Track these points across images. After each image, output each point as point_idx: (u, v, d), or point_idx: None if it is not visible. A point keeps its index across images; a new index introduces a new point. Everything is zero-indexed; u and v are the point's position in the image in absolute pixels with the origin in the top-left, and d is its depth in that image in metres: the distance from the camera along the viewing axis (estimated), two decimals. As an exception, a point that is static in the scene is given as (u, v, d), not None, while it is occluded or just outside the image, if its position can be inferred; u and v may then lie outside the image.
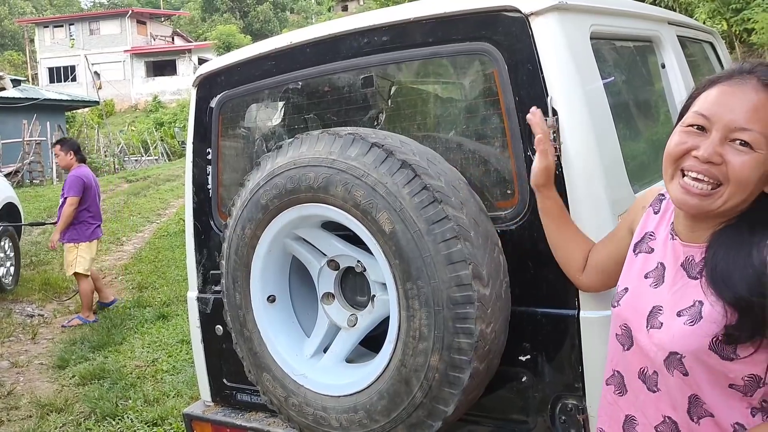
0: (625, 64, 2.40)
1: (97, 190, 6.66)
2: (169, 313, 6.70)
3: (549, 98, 1.78)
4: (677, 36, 2.78)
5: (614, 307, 1.47)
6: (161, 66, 49.32)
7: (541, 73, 1.79)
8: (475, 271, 1.66)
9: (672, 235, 1.40)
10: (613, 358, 1.49)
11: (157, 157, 29.64)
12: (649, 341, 1.34)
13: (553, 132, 1.77)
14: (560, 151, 1.77)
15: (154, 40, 53.50)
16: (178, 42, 54.68)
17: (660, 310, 1.34)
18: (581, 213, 1.77)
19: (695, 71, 3.05)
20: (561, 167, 1.78)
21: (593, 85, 1.87)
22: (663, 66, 2.59)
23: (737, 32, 14.12)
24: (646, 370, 1.37)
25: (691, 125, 1.28)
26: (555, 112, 1.77)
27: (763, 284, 1.19)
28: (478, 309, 1.65)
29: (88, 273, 6.50)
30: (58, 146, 6.66)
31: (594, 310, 1.77)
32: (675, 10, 12.78)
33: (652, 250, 1.44)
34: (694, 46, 3.20)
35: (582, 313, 1.78)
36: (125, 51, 49.02)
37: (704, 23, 12.32)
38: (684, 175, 1.28)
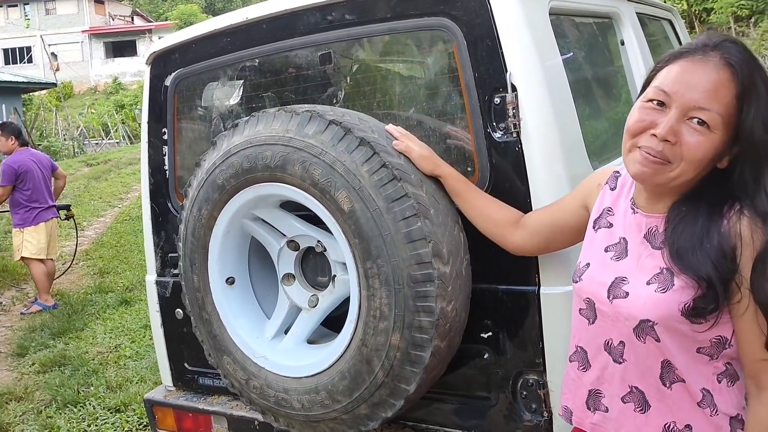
0: (584, 40, 2.40)
1: (44, 172, 6.45)
2: (131, 299, 6.60)
3: (508, 74, 1.77)
4: (636, 13, 2.79)
5: (576, 282, 1.48)
6: (121, 47, 48.17)
7: (500, 48, 1.78)
8: (435, 249, 1.65)
9: (633, 209, 1.41)
10: (576, 333, 1.50)
11: (118, 140, 29.00)
12: (615, 311, 1.36)
13: (513, 108, 1.77)
14: (519, 127, 1.77)
15: (113, 20, 52.17)
16: (138, 22, 53.43)
17: (624, 280, 1.36)
18: (540, 187, 1.77)
19: (654, 48, 3.07)
20: (520, 143, 1.77)
21: (552, 61, 1.87)
22: (622, 43, 2.60)
23: (696, 12, 14.34)
24: (610, 342, 1.39)
25: (651, 100, 1.28)
26: (514, 88, 1.76)
27: (723, 261, 1.22)
28: (438, 287, 1.64)
29: (40, 257, 6.35)
30: None
31: (554, 286, 1.78)
32: (637, -11, 12.95)
33: (611, 225, 1.45)
34: (654, 24, 3.22)
35: (542, 290, 1.79)
36: (83, 31, 47.71)
37: (665, 1, 12.46)
38: (641, 150, 1.28)
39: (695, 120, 1.23)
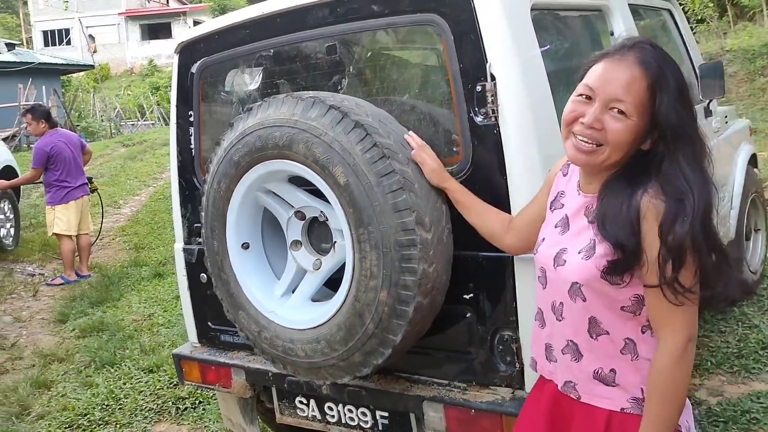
0: (570, 32, 2.60)
1: (74, 151, 6.80)
2: (164, 272, 6.95)
3: (488, 64, 2.00)
4: (629, 5, 2.97)
5: (534, 254, 1.73)
6: (156, 29, 48.86)
7: (482, 42, 2.01)
8: (418, 217, 1.90)
9: (578, 190, 1.65)
10: (537, 296, 1.75)
11: (153, 122, 29.65)
12: (557, 276, 1.61)
13: (492, 95, 2.00)
14: (498, 112, 2.00)
15: (149, 2, 52.90)
16: (173, 4, 54.06)
17: (564, 251, 1.59)
18: (515, 170, 2.00)
19: (651, 37, 3.25)
20: (498, 126, 2.01)
21: (530, 53, 2.09)
22: (612, 33, 2.79)
23: (729, -5, 14.13)
24: (555, 303, 1.64)
25: (581, 95, 1.52)
26: (493, 78, 1.99)
27: (635, 230, 1.45)
28: (420, 251, 1.90)
29: (70, 233, 6.73)
30: (29, 115, 6.88)
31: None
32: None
33: (563, 205, 1.69)
34: (650, 14, 3.39)
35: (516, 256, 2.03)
36: (119, 14, 48.48)
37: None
38: (575, 137, 1.52)
39: (615, 110, 1.47)
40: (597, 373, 1.57)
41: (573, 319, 1.59)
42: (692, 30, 12.81)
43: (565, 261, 1.58)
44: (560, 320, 1.63)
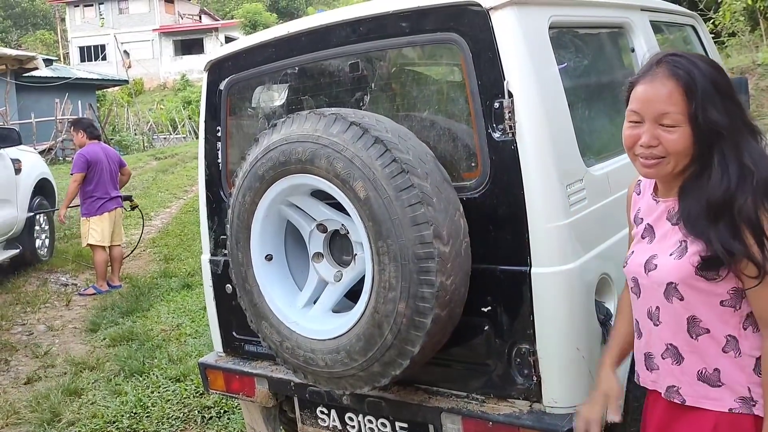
0: (590, 49, 2.63)
1: (112, 165, 6.97)
2: (193, 283, 7.07)
3: (505, 82, 2.04)
4: (651, 21, 2.99)
5: (624, 267, 1.77)
6: (189, 44, 49.81)
7: (500, 60, 2.05)
8: (436, 231, 1.94)
9: (655, 200, 1.71)
10: (633, 308, 1.78)
11: (185, 135, 30.17)
12: (650, 282, 1.65)
13: (509, 112, 2.04)
14: (515, 128, 2.04)
15: (182, 18, 53.96)
16: (206, 20, 55.10)
17: (654, 257, 1.64)
18: (532, 185, 2.04)
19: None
20: (515, 142, 2.05)
21: (548, 71, 2.13)
22: (633, 50, 2.81)
23: (761, 8, 13.96)
24: (651, 309, 1.67)
25: (631, 121, 1.61)
26: (510, 94, 2.04)
27: (737, 233, 1.49)
28: (438, 263, 1.94)
29: (104, 244, 6.89)
30: (72, 128, 7.23)
31: (543, 267, 2.05)
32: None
33: (642, 219, 1.75)
34: (673, 30, 3.40)
35: (533, 269, 2.06)
36: (154, 30, 49.56)
37: (726, 0, 12.22)
38: (639, 158, 1.61)
39: (664, 124, 1.55)
40: (701, 374, 1.59)
41: (671, 321, 1.63)
42: (723, 44, 12.65)
43: (656, 265, 1.62)
44: (657, 325, 1.66)
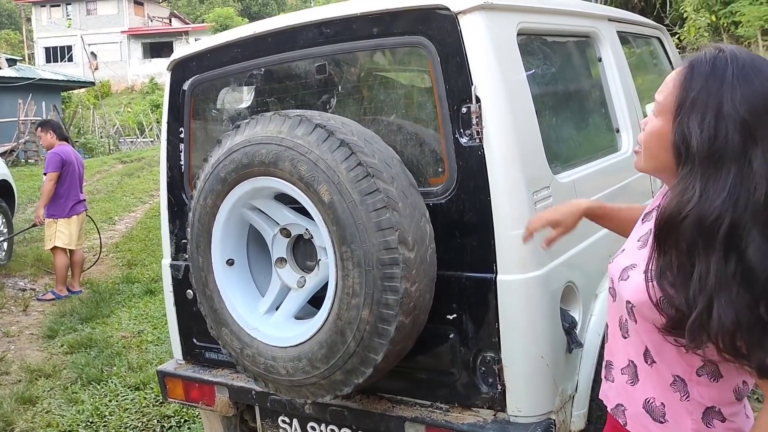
0: (558, 57, 2.63)
1: (81, 168, 6.84)
2: (156, 289, 6.91)
3: (473, 87, 2.02)
4: (618, 32, 3.01)
5: (609, 263, 1.54)
6: (158, 47, 49.25)
7: (468, 64, 2.03)
8: (401, 236, 1.91)
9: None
10: (608, 310, 1.56)
11: (152, 139, 29.75)
12: (619, 291, 1.45)
13: (477, 117, 2.02)
14: (482, 133, 2.02)
15: (152, 21, 53.38)
16: (176, 24, 54.58)
17: (634, 266, 1.42)
18: (498, 190, 2.02)
19: (639, 63, 3.29)
20: (483, 148, 2.02)
21: (516, 77, 2.11)
22: (600, 59, 2.82)
23: (725, 24, 14.29)
24: (621, 319, 1.47)
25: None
26: (478, 99, 2.01)
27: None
28: (403, 270, 1.90)
29: (69, 248, 6.72)
30: (39, 128, 6.95)
31: (509, 274, 2.03)
32: (665, 4, 12.96)
33: (652, 219, 1.49)
34: (639, 41, 3.43)
35: (499, 277, 2.04)
36: (122, 32, 48.94)
37: (691, 16, 12.50)
38: None
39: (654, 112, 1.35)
40: (647, 402, 1.42)
41: (635, 339, 1.44)
42: (688, 59, 12.91)
43: (628, 277, 1.42)
44: (626, 338, 1.47)
